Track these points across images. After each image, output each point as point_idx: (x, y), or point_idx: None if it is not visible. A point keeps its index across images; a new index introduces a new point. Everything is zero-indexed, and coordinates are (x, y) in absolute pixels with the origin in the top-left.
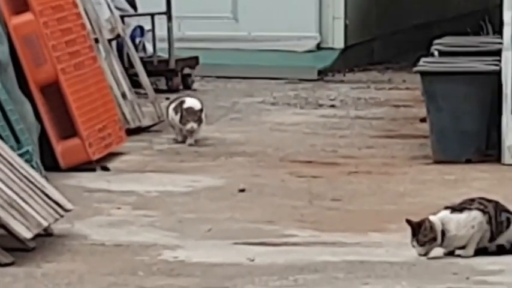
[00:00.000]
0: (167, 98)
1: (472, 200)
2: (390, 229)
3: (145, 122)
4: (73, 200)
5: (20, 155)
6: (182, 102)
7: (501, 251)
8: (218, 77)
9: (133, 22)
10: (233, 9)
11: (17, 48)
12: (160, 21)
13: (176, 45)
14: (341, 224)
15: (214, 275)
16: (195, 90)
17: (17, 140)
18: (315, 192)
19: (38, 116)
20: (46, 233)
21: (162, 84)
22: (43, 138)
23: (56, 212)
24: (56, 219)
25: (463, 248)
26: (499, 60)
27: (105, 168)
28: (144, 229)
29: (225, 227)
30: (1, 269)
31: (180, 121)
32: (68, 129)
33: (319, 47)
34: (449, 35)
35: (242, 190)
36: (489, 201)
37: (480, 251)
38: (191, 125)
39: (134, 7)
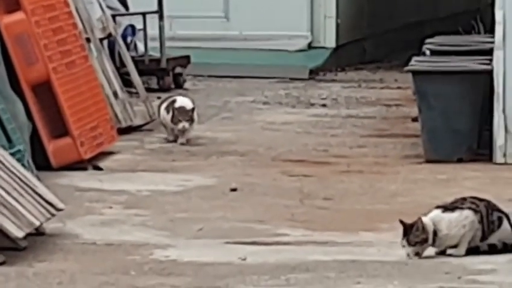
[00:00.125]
0: (159, 97)
1: (464, 199)
2: (382, 228)
3: (137, 121)
4: (65, 199)
5: (12, 154)
6: (174, 101)
7: (493, 250)
8: (209, 76)
9: (124, 21)
10: (224, 8)
11: (8, 47)
12: (152, 20)
13: (168, 44)
14: (332, 223)
15: (205, 274)
16: (186, 89)
17: (9, 139)
18: (306, 191)
19: (30, 115)
20: (38, 232)
21: (154, 83)
22: (34, 137)
23: (48, 211)
24: (48, 219)
25: (454, 247)
26: (491, 60)
27: (97, 168)
28: (136, 228)
29: (217, 226)
30: None
31: (172, 120)
32: (60, 129)
33: (310, 46)
34: (440, 34)
35: (234, 189)
36: (481, 200)
37: (472, 250)
38: (183, 124)
39: (126, 6)
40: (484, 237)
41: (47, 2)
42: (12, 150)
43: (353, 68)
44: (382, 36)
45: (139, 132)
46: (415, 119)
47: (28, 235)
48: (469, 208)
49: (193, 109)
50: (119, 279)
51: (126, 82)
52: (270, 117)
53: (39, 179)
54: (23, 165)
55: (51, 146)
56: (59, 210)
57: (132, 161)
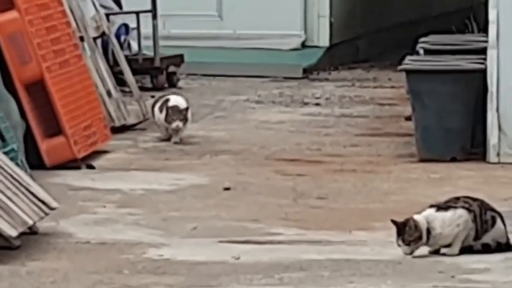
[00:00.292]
0: (152, 96)
1: (457, 199)
2: (375, 227)
3: (130, 120)
4: (58, 198)
5: (5, 153)
6: (167, 100)
7: (486, 249)
8: (203, 75)
9: (118, 20)
10: (218, 7)
11: (1, 46)
12: (146, 19)
13: (161, 43)
14: (326, 222)
15: (199, 273)
16: (180, 88)
17: (2, 138)
18: (300, 190)
19: (23, 114)
20: (31, 231)
21: (147, 82)
22: (28, 136)
23: (41, 210)
24: (41, 218)
25: (448, 246)
26: (484, 59)
27: (90, 166)
28: (129, 227)
29: (210, 225)
30: None
31: (166, 120)
32: (53, 127)
33: (304, 45)
34: (434, 33)
35: (227, 188)
36: (474, 199)
37: (465, 250)
38: (176, 123)
39: (119, 5)
40: (477, 237)
41: (40, 1)
42: (5, 149)
43: (346, 67)
44: (376, 35)
45: (133, 131)
46: (408, 118)
47: (21, 234)
48: (463, 207)
49: (187, 108)
50: (112, 278)
51: (120, 81)
52: (263, 116)
53: (32, 177)
54: (16, 164)
55: (44, 145)
56: (52, 209)
57: (125, 160)
